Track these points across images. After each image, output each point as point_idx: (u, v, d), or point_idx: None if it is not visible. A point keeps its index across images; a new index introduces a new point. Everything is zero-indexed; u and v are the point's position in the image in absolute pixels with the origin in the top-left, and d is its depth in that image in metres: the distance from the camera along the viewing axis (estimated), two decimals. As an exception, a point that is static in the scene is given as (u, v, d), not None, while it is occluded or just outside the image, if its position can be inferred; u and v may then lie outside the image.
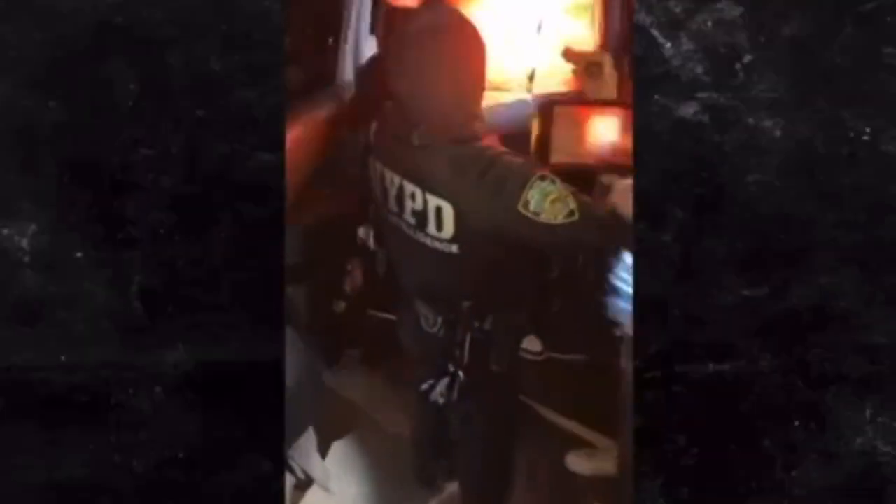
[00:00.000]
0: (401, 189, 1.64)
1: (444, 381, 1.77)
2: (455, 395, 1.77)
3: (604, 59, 1.98)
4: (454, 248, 1.62)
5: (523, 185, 1.50)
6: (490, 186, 1.52)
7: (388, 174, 1.67)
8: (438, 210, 1.59)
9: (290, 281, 1.49)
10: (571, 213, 1.51)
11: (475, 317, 1.73)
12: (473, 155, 1.56)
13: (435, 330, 1.77)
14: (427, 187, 1.59)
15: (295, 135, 1.81)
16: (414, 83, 1.54)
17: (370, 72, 2.24)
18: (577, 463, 2.43)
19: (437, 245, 1.64)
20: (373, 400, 2.70)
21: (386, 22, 2.41)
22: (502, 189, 1.51)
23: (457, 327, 1.74)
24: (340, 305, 2.24)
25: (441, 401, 1.78)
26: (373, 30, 2.41)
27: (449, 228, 1.60)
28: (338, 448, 2.55)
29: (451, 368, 1.76)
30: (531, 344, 2.63)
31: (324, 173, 2.08)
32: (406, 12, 2.02)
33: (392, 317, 2.03)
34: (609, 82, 1.95)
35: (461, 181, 1.54)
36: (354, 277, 2.10)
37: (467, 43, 1.56)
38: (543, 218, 1.50)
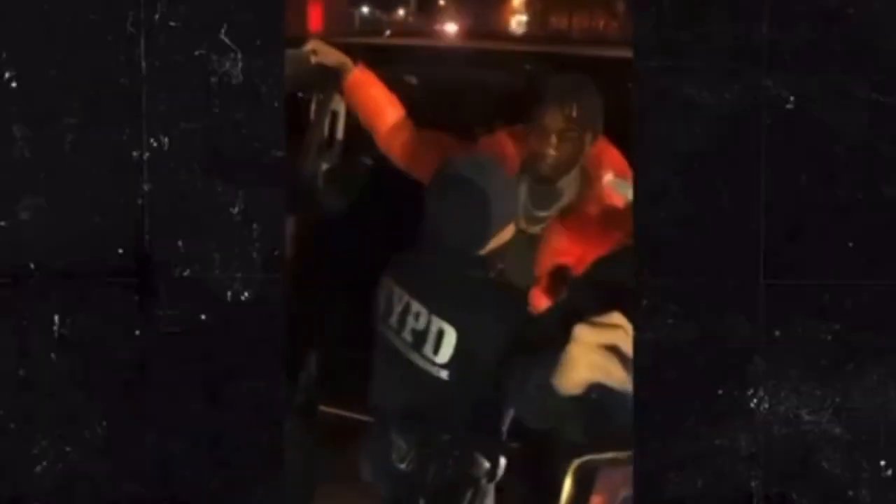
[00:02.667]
0: (407, 307, 1.65)
1: None
2: None
3: None
4: (444, 374, 1.60)
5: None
6: (496, 321, 1.54)
7: (398, 291, 1.68)
8: (440, 333, 1.59)
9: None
10: None
11: (451, 451, 1.64)
12: (485, 286, 1.62)
13: (404, 465, 1.67)
14: (434, 309, 1.60)
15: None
16: (442, 216, 1.62)
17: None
18: None
19: (428, 367, 1.61)
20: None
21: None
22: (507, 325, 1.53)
23: (429, 465, 1.64)
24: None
25: None
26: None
27: (446, 353, 1.58)
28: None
29: None
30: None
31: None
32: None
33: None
34: None
35: (469, 310, 1.58)
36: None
37: (497, 188, 1.62)
38: None
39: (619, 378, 1.09)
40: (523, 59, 2.71)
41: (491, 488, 1.69)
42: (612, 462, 1.25)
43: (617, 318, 1.09)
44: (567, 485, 1.23)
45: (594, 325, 1.10)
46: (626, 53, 1.43)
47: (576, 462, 1.23)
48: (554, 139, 1.88)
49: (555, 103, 1.89)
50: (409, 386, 1.65)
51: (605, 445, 1.21)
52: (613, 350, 1.08)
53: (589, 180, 1.98)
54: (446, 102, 2.70)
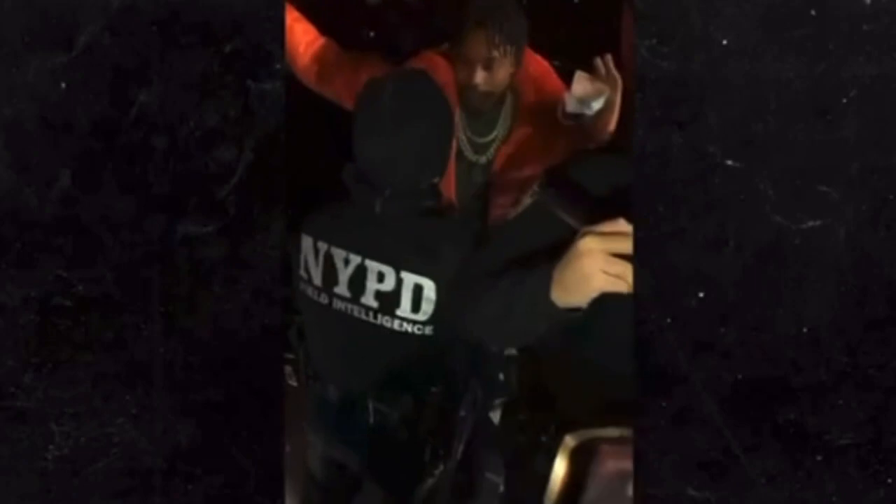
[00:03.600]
0: (361, 269, 1.47)
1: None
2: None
3: None
4: (428, 330, 1.47)
5: None
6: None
7: (340, 253, 1.49)
8: (417, 289, 1.44)
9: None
10: None
11: (442, 400, 1.54)
12: (453, 228, 1.51)
13: (387, 428, 1.54)
14: (402, 265, 1.45)
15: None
16: (383, 145, 1.41)
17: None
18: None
19: (407, 327, 1.47)
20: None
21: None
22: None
23: (422, 419, 1.53)
24: None
25: None
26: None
27: (428, 308, 1.46)
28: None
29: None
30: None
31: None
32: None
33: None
34: None
35: (446, 256, 1.43)
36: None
37: (436, 108, 1.46)
38: None
39: (631, 286, 1.06)
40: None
41: (491, 415, 1.59)
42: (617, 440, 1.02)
43: (622, 224, 1.05)
44: (559, 467, 1.03)
45: (601, 234, 1.07)
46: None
47: (571, 439, 1.00)
48: (480, 69, 1.75)
49: (477, 29, 1.73)
50: (382, 352, 1.51)
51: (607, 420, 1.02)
52: (626, 258, 1.05)
53: (523, 99, 1.87)
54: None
